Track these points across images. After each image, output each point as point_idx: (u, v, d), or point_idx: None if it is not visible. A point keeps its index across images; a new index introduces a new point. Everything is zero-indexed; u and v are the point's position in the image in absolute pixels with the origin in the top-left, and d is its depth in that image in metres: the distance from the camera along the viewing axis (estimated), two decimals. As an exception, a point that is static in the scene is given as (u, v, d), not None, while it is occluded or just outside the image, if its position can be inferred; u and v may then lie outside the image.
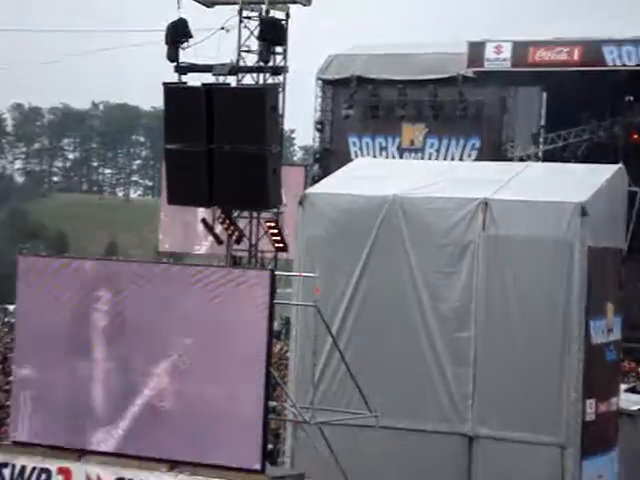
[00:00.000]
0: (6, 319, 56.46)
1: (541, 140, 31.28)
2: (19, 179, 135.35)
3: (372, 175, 16.73)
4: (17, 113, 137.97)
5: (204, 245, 33.63)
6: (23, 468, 13.83)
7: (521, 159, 29.18)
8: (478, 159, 30.13)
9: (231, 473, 12.89)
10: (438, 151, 32.16)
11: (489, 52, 30.20)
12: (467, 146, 31.83)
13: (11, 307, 55.79)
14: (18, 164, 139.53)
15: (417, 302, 14.96)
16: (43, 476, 13.73)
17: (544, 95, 31.21)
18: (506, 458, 14.48)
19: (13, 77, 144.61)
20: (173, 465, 13.16)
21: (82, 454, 13.62)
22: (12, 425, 14.65)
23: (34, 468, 13.80)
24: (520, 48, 30.25)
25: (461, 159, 31.10)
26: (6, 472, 13.92)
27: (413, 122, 32.29)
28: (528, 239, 14.61)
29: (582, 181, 15.55)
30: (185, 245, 36.69)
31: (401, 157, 31.97)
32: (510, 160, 28.64)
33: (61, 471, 13.70)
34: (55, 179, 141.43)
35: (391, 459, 14.39)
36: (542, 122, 31.68)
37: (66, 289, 13.79)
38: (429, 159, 31.29)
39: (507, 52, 30.10)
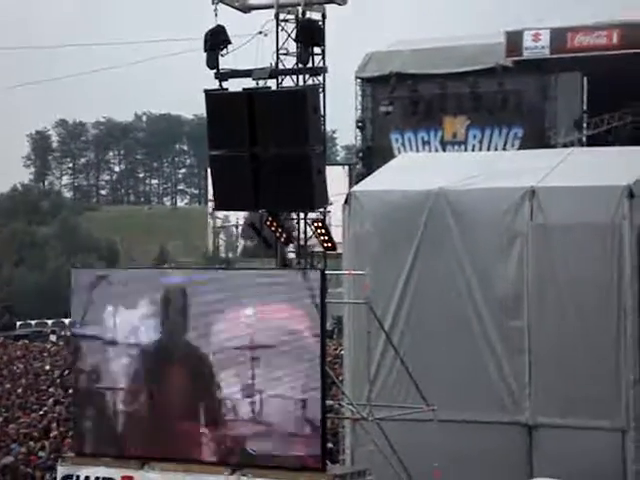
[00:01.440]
0: (62, 333, 57.10)
1: (584, 125, 31.06)
2: (67, 194, 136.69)
3: (416, 170, 16.74)
4: (62, 129, 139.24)
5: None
6: (87, 479, 14.01)
7: (565, 145, 28.97)
8: (521, 148, 29.95)
9: (293, 473, 12.97)
10: (481, 142, 32.02)
11: (527, 40, 30.06)
12: (510, 136, 31.66)
13: (66, 321, 56.45)
14: (65, 179, 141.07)
15: (468, 293, 14.96)
16: (107, 485, 13.91)
17: (585, 80, 30.99)
18: (567, 445, 14.44)
19: (55, 93, 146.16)
20: (235, 468, 13.27)
21: (145, 461, 13.77)
22: (74, 437, 14.85)
23: (97, 478, 13.96)
24: (558, 34, 30.08)
25: (504, 149, 30.94)
26: (71, 484, 14.12)
27: (454, 115, 32.18)
28: (577, 225, 14.56)
29: (628, 163, 15.45)
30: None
31: (444, 150, 31.86)
32: (554, 147, 28.47)
33: (125, 479, 13.87)
34: (103, 192, 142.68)
35: (450, 452, 14.39)
36: (584, 107, 31.46)
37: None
38: (472, 151, 31.17)
39: (545, 39, 29.95)
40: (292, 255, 17.45)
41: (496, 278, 14.91)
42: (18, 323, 61.97)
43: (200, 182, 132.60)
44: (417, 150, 31.98)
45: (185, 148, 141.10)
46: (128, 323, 13.96)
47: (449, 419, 14.28)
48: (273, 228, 16.32)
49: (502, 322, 14.84)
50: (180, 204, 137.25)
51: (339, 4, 15.62)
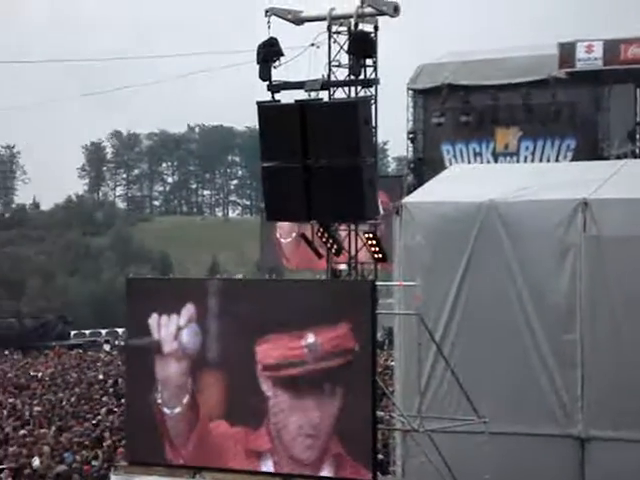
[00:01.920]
0: (116, 342, 57.58)
1: (638, 137, 30.79)
2: (121, 205, 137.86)
3: (467, 181, 16.72)
4: (116, 140, 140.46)
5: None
6: (140, 487, 14.16)
7: (618, 157, 28.76)
8: (574, 159, 29.75)
9: (343, 484, 13.01)
10: (533, 154, 31.80)
11: (580, 52, 29.88)
12: (562, 147, 31.43)
13: (120, 330, 56.91)
14: (119, 190, 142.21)
15: (520, 306, 14.89)
16: (160, 494, 14.05)
17: (638, 92, 30.76)
18: (619, 458, 14.32)
19: (111, 105, 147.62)
20: (287, 479, 13.32)
21: (197, 471, 13.86)
22: (127, 446, 14.98)
23: (150, 487, 14.10)
24: (611, 46, 29.86)
25: (557, 160, 30.72)
26: (124, 492, 14.26)
27: (507, 126, 32.02)
28: (631, 238, 14.45)
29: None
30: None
31: (496, 162, 31.70)
32: (607, 159, 28.28)
33: (177, 488, 13.98)
34: (156, 203, 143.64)
35: (501, 464, 14.34)
36: (638, 119, 31.20)
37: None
38: (524, 162, 31.02)
39: (598, 51, 29.75)
40: (341, 266, 17.44)
41: (548, 291, 14.82)
42: (72, 332, 62.53)
43: (252, 193, 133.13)
44: (468, 162, 31.85)
45: (237, 159, 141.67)
46: (176, 331, 14.10)
47: (500, 431, 14.23)
48: (324, 239, 16.33)
49: (554, 335, 14.75)
50: (232, 215, 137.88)
51: (391, 16, 15.61)
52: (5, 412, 27.72)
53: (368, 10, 15.47)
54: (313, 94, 15.39)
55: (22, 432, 23.81)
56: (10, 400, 30.20)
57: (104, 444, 21.57)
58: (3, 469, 19.66)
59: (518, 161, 31.20)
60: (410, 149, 34.09)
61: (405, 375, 15.36)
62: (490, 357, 14.90)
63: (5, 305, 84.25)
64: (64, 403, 29.15)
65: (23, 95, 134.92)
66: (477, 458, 14.08)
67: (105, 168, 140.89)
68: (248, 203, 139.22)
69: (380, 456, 15.74)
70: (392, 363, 18.44)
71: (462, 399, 14.20)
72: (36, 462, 20.20)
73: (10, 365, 43.40)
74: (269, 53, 15.62)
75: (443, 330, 15.19)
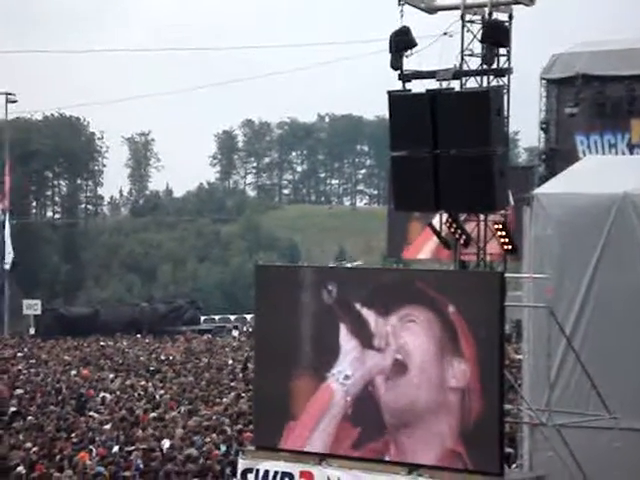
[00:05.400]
0: (244, 328, 58.35)
1: None
2: (251, 193, 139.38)
3: (602, 173, 16.41)
4: (247, 129, 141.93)
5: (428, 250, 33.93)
6: (266, 473, 14.27)
7: None
8: None
9: (470, 476, 12.94)
10: (670, 146, 31.14)
11: None
12: (701, 138, 30.69)
13: (248, 316, 57.64)
14: (250, 178, 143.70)
15: (655, 301, 14.58)
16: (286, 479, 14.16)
17: None
18: None
19: (243, 93, 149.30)
20: (412, 468, 13.31)
21: (323, 458, 13.94)
22: (255, 431, 15.16)
23: (277, 472, 14.21)
24: None
25: (695, 152, 30.01)
26: (250, 477, 14.39)
27: (642, 117, 31.43)
28: None
29: None
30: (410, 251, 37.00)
31: (631, 154, 31.11)
32: None
33: (303, 475, 14.06)
34: (285, 191, 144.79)
35: (631, 461, 14.08)
36: None
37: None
38: (661, 154, 30.34)
39: None
40: (469, 257, 17.32)
41: (685, 286, 14.47)
42: (202, 318, 63.55)
43: (379, 183, 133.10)
44: (603, 153, 31.34)
45: (366, 149, 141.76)
46: (305, 317, 14.17)
47: (631, 427, 13.97)
48: (452, 230, 16.24)
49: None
50: (359, 204, 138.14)
51: (526, 4, 15.41)
52: (136, 395, 28.35)
53: (503, -2, 15.32)
54: (445, 84, 15.30)
55: (152, 415, 24.31)
56: (141, 383, 30.87)
57: (232, 429, 21.88)
58: (133, 450, 20.12)
59: (654, 153, 30.54)
60: (542, 140, 33.70)
61: (533, 368, 15.18)
62: (622, 353, 14.61)
63: (137, 290, 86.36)
64: (194, 387, 29.65)
65: (157, 84, 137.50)
66: (606, 454, 13.84)
67: (236, 156, 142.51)
68: (376, 193, 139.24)
69: (508, 450, 15.61)
70: (520, 356, 18.22)
71: (592, 394, 13.97)
72: (166, 444, 20.60)
73: (142, 349, 44.33)
74: (401, 42, 15.58)
75: (574, 324, 14.96)
